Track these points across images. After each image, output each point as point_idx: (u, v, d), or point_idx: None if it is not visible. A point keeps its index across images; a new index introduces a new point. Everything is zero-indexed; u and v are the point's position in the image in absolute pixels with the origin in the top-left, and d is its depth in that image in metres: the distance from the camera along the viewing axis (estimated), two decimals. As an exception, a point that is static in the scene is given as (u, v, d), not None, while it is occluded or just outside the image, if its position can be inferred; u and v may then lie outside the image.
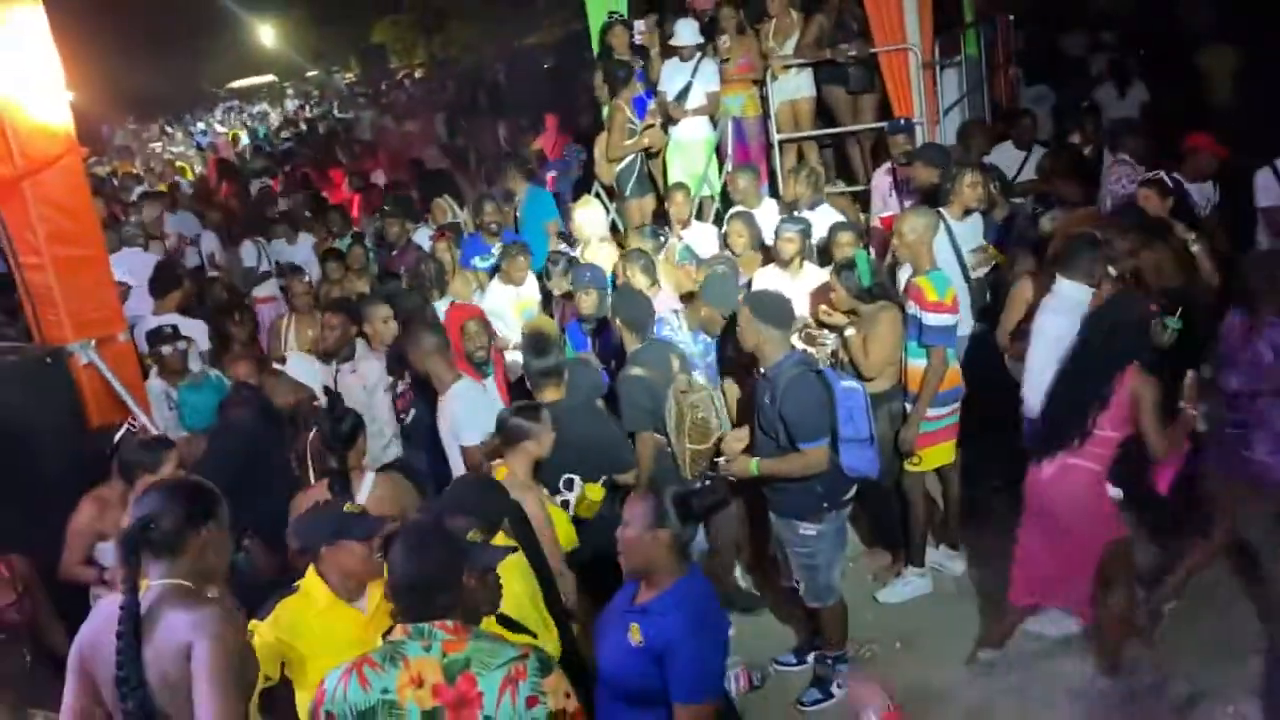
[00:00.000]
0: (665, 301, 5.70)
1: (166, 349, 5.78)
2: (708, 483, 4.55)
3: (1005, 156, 7.52)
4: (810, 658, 4.88)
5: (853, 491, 4.56)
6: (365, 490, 4.18)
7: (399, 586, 2.57)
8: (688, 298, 5.88)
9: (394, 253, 7.88)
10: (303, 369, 5.72)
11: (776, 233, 6.05)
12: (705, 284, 5.63)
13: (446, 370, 4.90)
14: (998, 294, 5.85)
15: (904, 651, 5.01)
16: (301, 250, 9.27)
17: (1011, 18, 10.33)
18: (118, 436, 4.61)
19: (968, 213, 5.89)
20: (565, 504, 4.37)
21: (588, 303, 5.76)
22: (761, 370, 4.40)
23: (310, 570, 3.30)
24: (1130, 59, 10.84)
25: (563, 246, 7.24)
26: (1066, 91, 10.55)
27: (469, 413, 4.76)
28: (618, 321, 5.18)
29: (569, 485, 4.34)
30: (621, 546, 3.10)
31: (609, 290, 5.88)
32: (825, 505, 4.40)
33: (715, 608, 3.13)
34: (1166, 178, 6.12)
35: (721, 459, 4.56)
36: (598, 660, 3.15)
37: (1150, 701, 4.33)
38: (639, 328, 5.12)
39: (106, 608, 2.65)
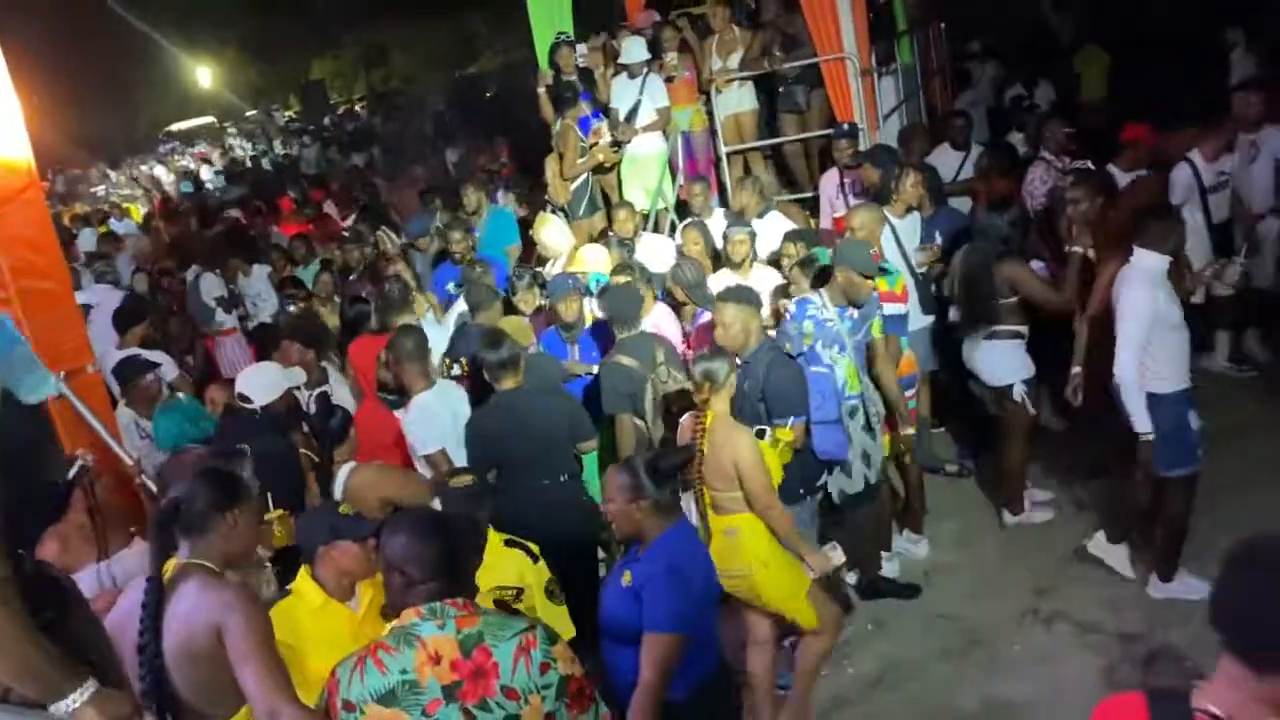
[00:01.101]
0: (765, 279, 5.99)
1: (147, 378, 5.82)
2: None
3: (944, 158, 7.80)
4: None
5: (824, 478, 4.77)
6: (340, 481, 4.21)
7: (425, 569, 2.60)
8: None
9: (352, 279, 7.93)
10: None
11: (725, 237, 6.27)
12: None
13: (417, 379, 4.99)
14: (940, 288, 6.13)
15: (876, 632, 5.19)
16: (256, 281, 9.32)
17: (943, 26, 10.72)
18: (72, 471, 4.60)
19: (909, 211, 6.15)
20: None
21: (571, 309, 5.85)
22: (741, 358, 4.56)
23: (302, 572, 3.39)
24: (1015, 64, 11.41)
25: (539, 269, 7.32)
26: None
27: (422, 424, 4.87)
28: (607, 316, 5.48)
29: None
30: (610, 519, 3.36)
31: (591, 293, 6.06)
32: (801, 491, 4.59)
33: (694, 555, 3.36)
34: (1088, 169, 6.40)
35: (686, 435, 4.66)
36: (600, 608, 3.37)
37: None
38: (626, 320, 5.34)
39: (136, 586, 2.78)
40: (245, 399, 4.82)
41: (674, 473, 3.43)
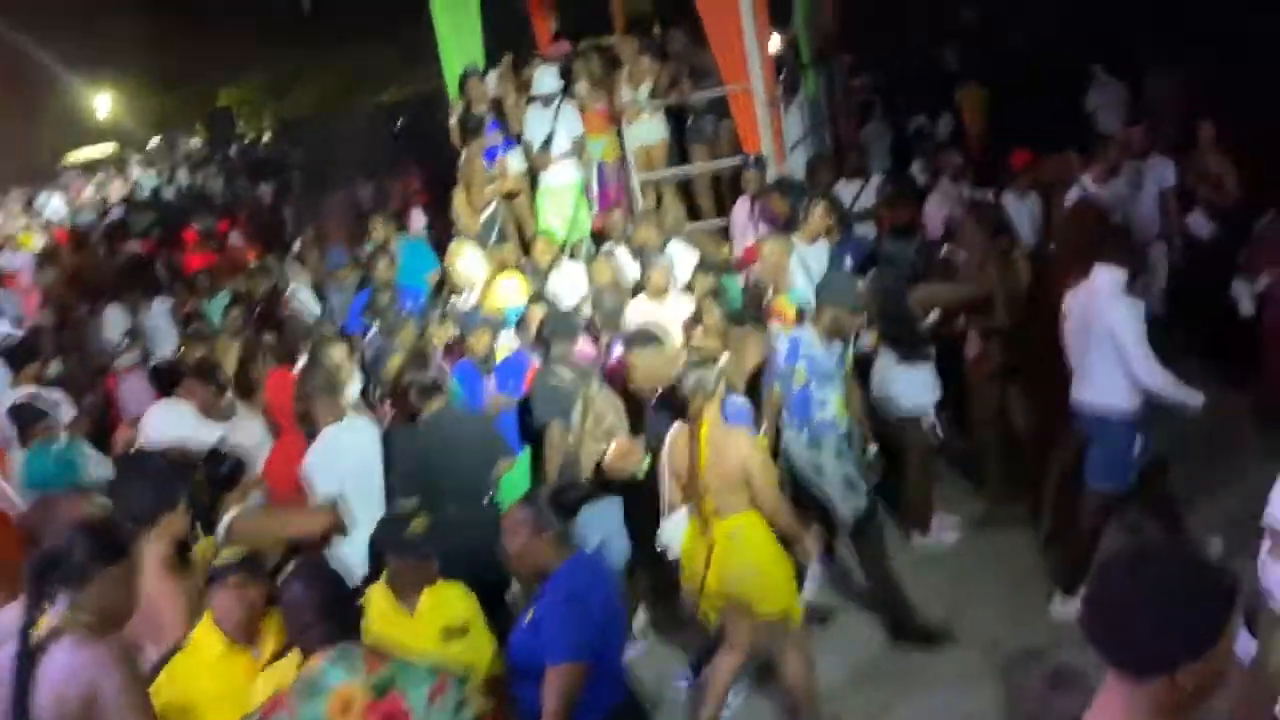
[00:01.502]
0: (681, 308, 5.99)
1: (42, 423, 5.62)
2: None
3: (843, 186, 7.99)
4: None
5: None
6: (222, 528, 4.10)
7: (309, 615, 2.66)
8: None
9: (257, 311, 7.76)
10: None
11: (646, 264, 6.29)
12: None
13: (326, 413, 4.91)
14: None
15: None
16: (157, 316, 9.06)
17: (847, 59, 11.01)
18: None
19: (816, 239, 6.28)
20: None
21: (483, 343, 5.84)
22: (658, 390, 4.59)
23: (205, 619, 3.29)
24: (898, 97, 12.07)
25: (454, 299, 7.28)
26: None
27: (324, 461, 4.79)
28: (547, 332, 5.50)
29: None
30: (512, 558, 3.32)
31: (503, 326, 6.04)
32: None
33: (594, 584, 3.32)
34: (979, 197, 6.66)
35: (608, 456, 4.70)
36: (507, 648, 3.36)
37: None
38: (567, 337, 5.42)
39: (10, 645, 2.64)
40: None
41: (577, 507, 3.45)
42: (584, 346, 5.84)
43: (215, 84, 41.46)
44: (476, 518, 4.72)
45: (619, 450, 4.62)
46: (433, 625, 3.54)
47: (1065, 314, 4.93)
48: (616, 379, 5.45)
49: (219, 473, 4.21)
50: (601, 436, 5.09)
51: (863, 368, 5.88)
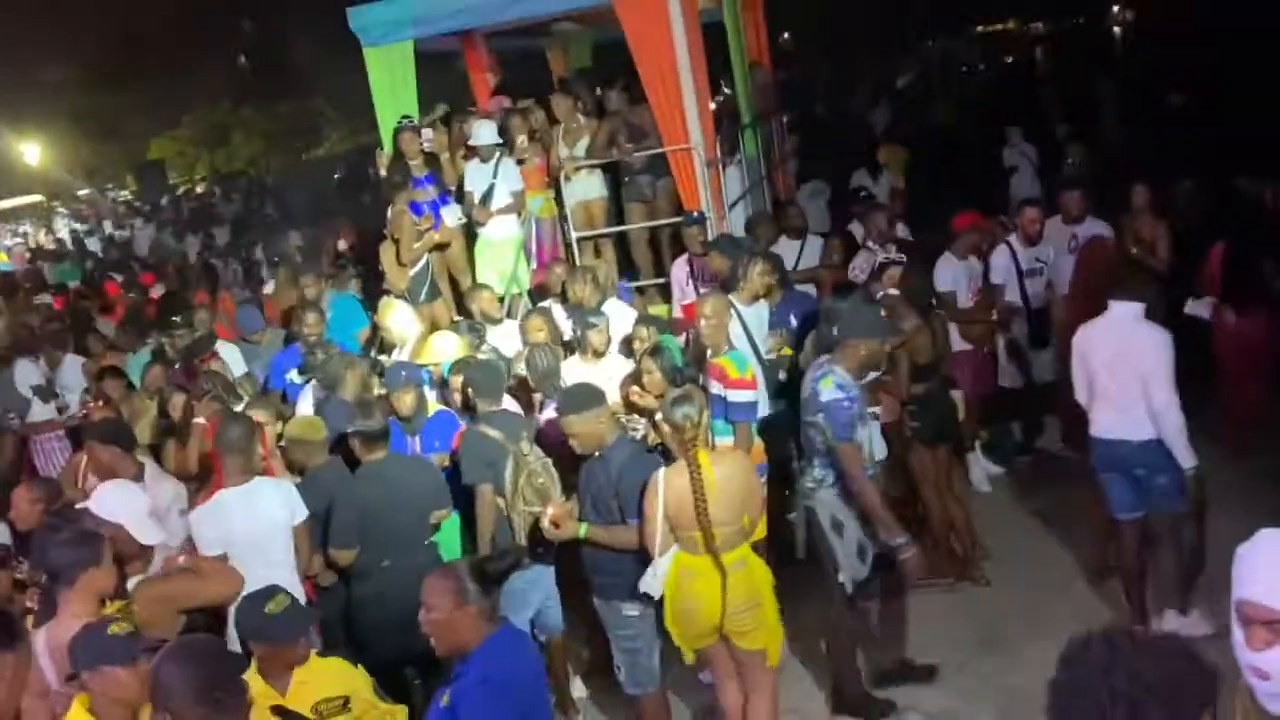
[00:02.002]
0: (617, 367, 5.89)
1: None
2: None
3: (782, 246, 7.95)
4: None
5: None
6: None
7: (182, 699, 2.52)
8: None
9: (177, 366, 7.43)
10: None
11: (585, 325, 6.12)
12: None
13: (234, 472, 4.74)
14: (792, 376, 6.17)
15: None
16: (70, 371, 8.67)
17: (785, 119, 11.12)
18: None
19: (756, 299, 6.19)
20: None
21: (406, 402, 5.63)
22: (597, 451, 4.41)
23: (76, 704, 3.03)
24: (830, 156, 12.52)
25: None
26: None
27: (209, 521, 4.64)
28: (473, 386, 5.30)
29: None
30: (429, 631, 3.09)
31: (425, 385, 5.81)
32: (644, 593, 4.35)
33: (516, 664, 3.12)
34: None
35: (545, 522, 4.50)
36: None
37: None
38: (493, 394, 5.26)
39: None
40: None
41: (502, 578, 3.23)
42: (511, 406, 5.65)
43: (148, 135, 40.88)
44: (415, 566, 4.60)
45: (555, 514, 4.42)
46: (304, 704, 3.49)
47: (1081, 352, 4.97)
48: (547, 438, 5.27)
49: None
50: (534, 497, 4.93)
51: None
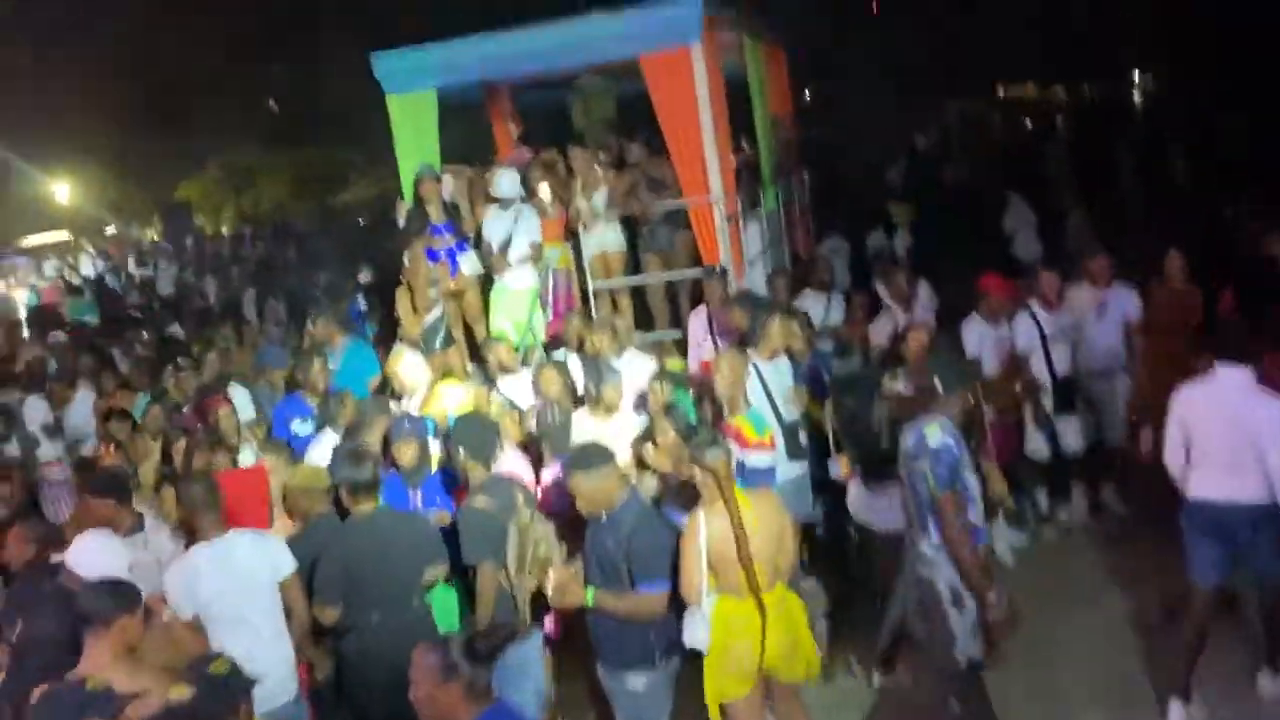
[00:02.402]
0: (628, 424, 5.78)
1: None
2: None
3: (809, 302, 7.85)
4: None
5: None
6: None
7: None
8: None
9: (183, 410, 7.34)
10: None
11: (598, 379, 6.00)
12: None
13: (210, 528, 4.59)
14: (814, 435, 6.02)
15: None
16: (79, 410, 8.59)
17: (806, 176, 11.08)
18: None
19: (774, 355, 6.05)
20: None
21: (408, 454, 5.51)
22: (604, 512, 4.25)
23: None
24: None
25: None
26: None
27: (180, 581, 4.49)
28: (461, 453, 5.01)
29: None
30: (415, 706, 2.97)
31: (429, 438, 5.66)
32: (657, 653, 4.23)
33: None
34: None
35: (549, 589, 4.34)
36: None
37: None
38: (484, 458, 5.03)
39: None
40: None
41: (494, 654, 3.07)
42: (516, 463, 5.50)
43: (176, 177, 41.42)
44: (402, 624, 4.63)
45: (558, 584, 4.25)
46: None
47: (1182, 415, 4.88)
48: (551, 500, 5.11)
49: None
50: (536, 570, 4.78)
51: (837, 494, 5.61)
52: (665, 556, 4.19)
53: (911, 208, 12.57)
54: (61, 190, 39.08)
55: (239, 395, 7.50)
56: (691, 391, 6.30)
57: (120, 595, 3.65)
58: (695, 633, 4.13)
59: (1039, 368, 6.89)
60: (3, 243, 37.15)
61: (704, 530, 4.08)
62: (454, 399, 6.28)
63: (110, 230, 38.95)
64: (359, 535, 4.77)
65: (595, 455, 4.31)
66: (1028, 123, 30.24)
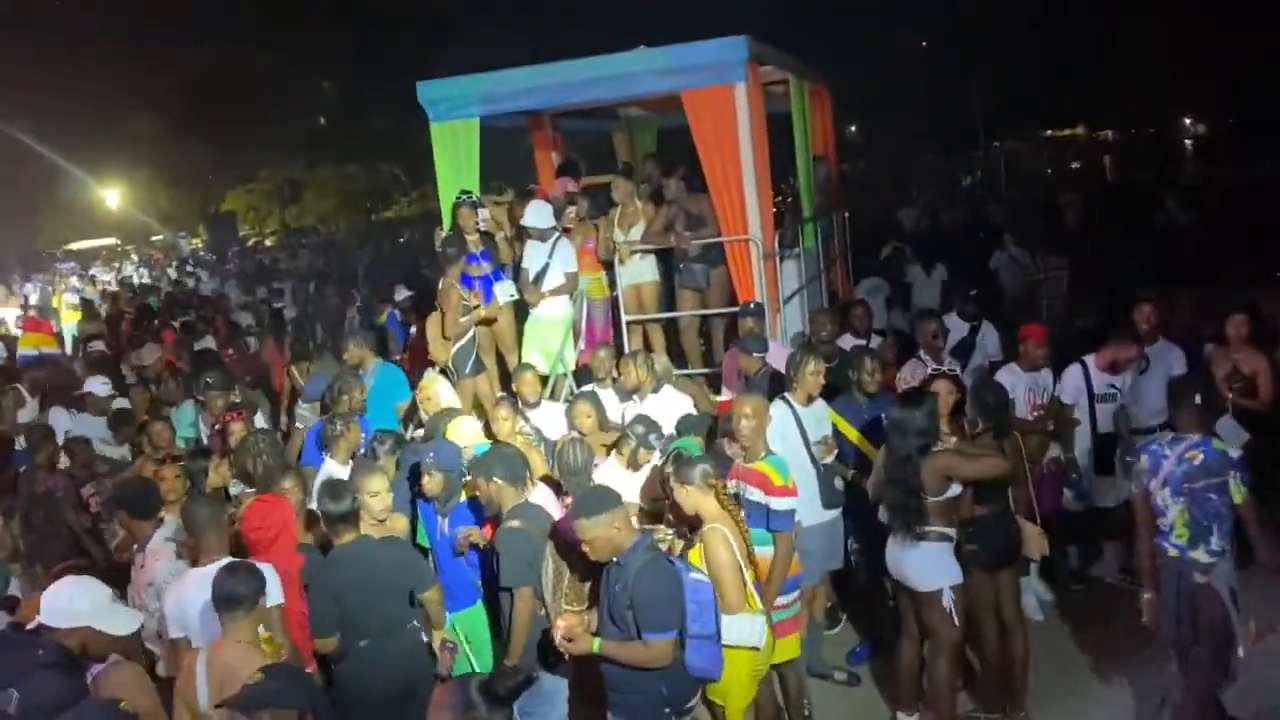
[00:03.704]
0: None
1: None
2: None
3: (846, 345, 7.75)
4: None
5: (696, 698, 4.29)
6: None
7: None
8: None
9: (215, 427, 7.36)
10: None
11: (643, 441, 5.73)
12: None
13: (206, 552, 4.62)
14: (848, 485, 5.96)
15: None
16: (95, 424, 8.64)
17: (847, 215, 11.02)
18: None
19: (810, 399, 5.96)
20: None
21: (433, 484, 5.48)
22: (615, 559, 4.17)
23: None
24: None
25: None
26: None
27: (174, 601, 4.53)
28: (495, 480, 4.98)
29: None
30: None
31: (458, 469, 5.61)
32: (668, 710, 4.12)
33: None
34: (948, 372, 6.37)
35: (558, 635, 4.26)
36: None
37: None
38: (517, 482, 5.05)
39: None
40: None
41: (514, 696, 3.06)
42: (544, 496, 5.45)
43: (224, 187, 42.13)
44: (396, 647, 4.79)
45: (567, 626, 4.18)
46: None
47: None
48: (568, 538, 5.05)
49: None
50: (575, 598, 4.75)
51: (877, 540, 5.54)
52: (672, 605, 4.09)
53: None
54: (111, 196, 39.86)
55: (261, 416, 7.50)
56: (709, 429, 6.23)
57: (260, 580, 3.97)
58: (754, 629, 4.42)
59: (1083, 420, 6.74)
60: (52, 245, 37.91)
61: (731, 539, 4.35)
62: (468, 434, 6.16)
63: (157, 238, 39.60)
64: (342, 566, 4.82)
65: (599, 500, 4.24)
66: (1075, 165, 30.04)
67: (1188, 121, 36.83)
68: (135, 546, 5.36)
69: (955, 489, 5.12)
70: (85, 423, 8.64)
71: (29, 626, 3.82)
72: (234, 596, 3.88)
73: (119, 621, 3.80)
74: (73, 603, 3.72)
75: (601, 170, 9.86)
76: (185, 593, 4.49)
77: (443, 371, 7.76)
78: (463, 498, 5.59)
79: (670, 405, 6.59)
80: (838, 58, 12.62)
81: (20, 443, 8.34)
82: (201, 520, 4.65)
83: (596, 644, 4.16)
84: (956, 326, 8.09)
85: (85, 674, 3.70)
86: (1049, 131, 40.45)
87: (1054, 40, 32.37)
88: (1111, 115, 36.57)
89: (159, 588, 4.93)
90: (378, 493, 5.14)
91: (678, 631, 4.09)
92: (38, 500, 7.23)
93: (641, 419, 5.94)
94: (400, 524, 5.59)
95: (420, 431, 6.75)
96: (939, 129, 35.14)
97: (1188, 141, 34.67)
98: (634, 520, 4.58)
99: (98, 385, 9.04)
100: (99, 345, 12.48)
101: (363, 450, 6.33)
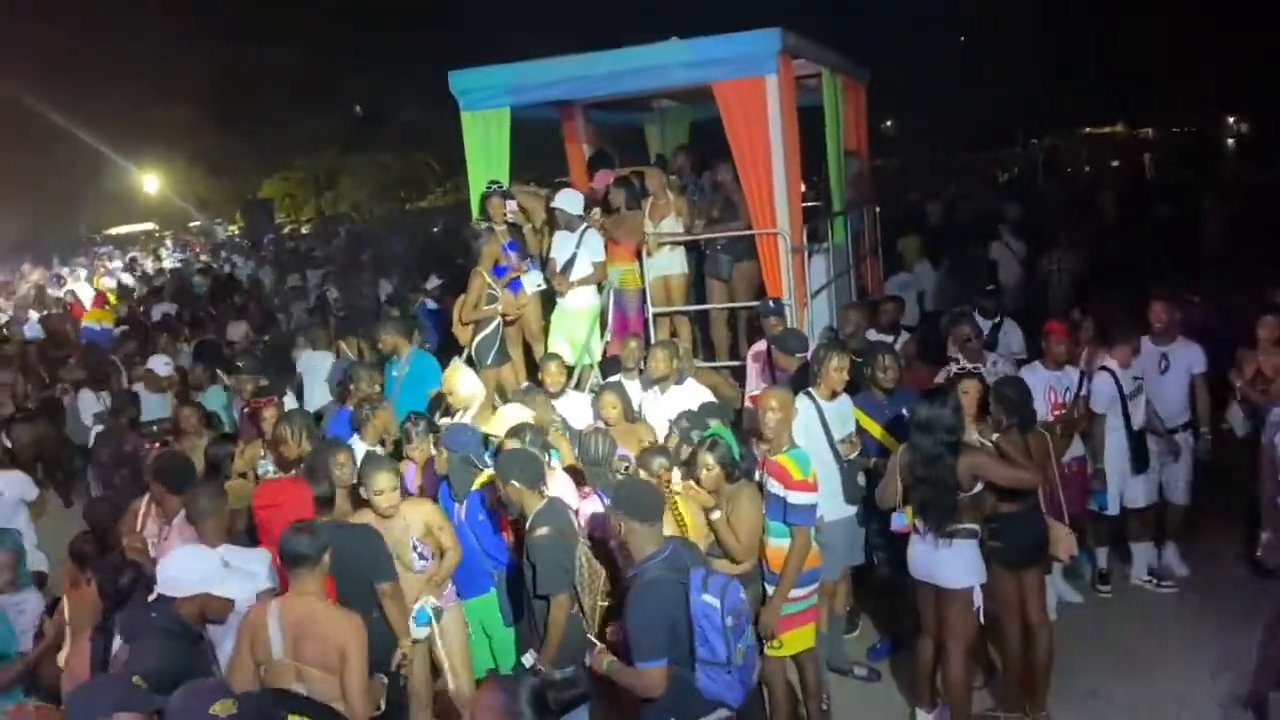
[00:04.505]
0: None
1: None
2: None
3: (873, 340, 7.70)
4: None
5: (715, 716, 4.06)
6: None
7: None
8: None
9: (245, 410, 7.45)
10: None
11: (682, 433, 5.67)
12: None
13: (207, 537, 4.72)
14: (871, 479, 5.92)
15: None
16: (155, 402, 8.76)
17: (878, 210, 10.95)
18: None
19: (834, 395, 5.95)
20: None
21: (439, 461, 5.57)
22: (632, 570, 4.11)
23: None
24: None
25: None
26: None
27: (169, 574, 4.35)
28: (513, 484, 4.81)
29: None
30: None
31: (470, 454, 5.63)
32: None
33: None
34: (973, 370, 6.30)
35: (595, 649, 4.24)
36: None
37: None
38: (536, 483, 4.85)
39: None
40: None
41: (565, 710, 2.88)
42: (564, 487, 5.47)
43: (260, 174, 42.52)
44: None
45: (597, 655, 4.16)
46: None
47: None
48: (590, 529, 5.07)
49: (119, 583, 4.15)
50: (599, 593, 4.74)
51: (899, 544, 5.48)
52: (660, 632, 3.90)
53: (916, 239, 12.94)
54: (150, 183, 40.34)
55: (290, 400, 7.57)
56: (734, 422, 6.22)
57: (323, 537, 4.18)
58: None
59: (1115, 424, 6.67)
60: (92, 230, 38.43)
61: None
62: (508, 420, 6.18)
63: (194, 224, 40.02)
64: None
65: (648, 506, 4.14)
66: (1114, 163, 29.66)
67: (1231, 120, 36.25)
68: (164, 520, 5.45)
69: (979, 485, 5.10)
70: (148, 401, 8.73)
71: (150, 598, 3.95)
72: (299, 555, 4.08)
73: (232, 585, 3.93)
74: (186, 571, 3.85)
75: (633, 163, 9.85)
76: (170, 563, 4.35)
77: (468, 360, 7.80)
78: (475, 485, 5.60)
79: (692, 397, 6.59)
80: (874, 53, 12.49)
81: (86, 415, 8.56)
82: (202, 508, 4.75)
83: (606, 664, 4.10)
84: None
85: (203, 641, 3.88)
86: (1087, 129, 39.98)
87: (1093, 38, 32.00)
88: (1152, 113, 36.11)
89: None
90: (382, 490, 5.04)
91: (667, 661, 3.90)
92: (123, 459, 7.38)
93: (687, 414, 5.87)
94: (419, 512, 5.37)
95: (447, 419, 6.78)
96: (975, 126, 34.83)
97: (1230, 140, 34.12)
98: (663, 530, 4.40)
99: (160, 364, 9.16)
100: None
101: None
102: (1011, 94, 32.17)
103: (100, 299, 17.63)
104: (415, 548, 5.16)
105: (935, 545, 5.09)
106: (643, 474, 4.67)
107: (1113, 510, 6.71)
